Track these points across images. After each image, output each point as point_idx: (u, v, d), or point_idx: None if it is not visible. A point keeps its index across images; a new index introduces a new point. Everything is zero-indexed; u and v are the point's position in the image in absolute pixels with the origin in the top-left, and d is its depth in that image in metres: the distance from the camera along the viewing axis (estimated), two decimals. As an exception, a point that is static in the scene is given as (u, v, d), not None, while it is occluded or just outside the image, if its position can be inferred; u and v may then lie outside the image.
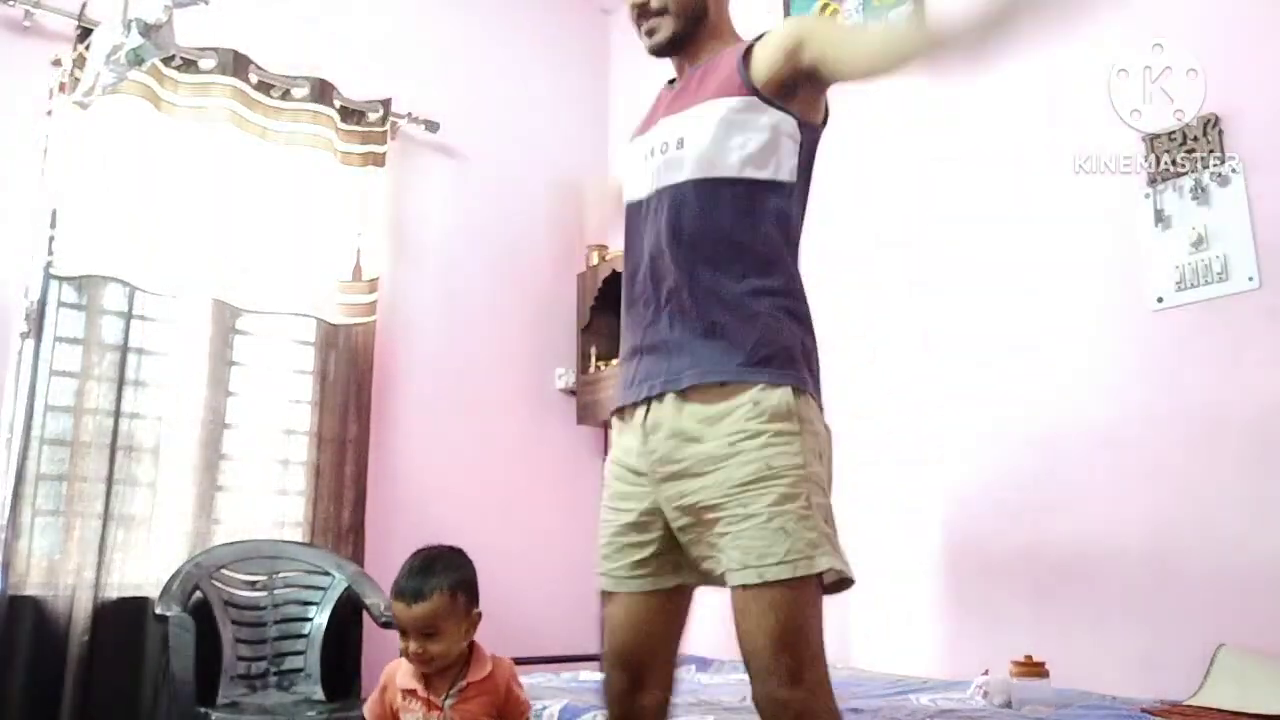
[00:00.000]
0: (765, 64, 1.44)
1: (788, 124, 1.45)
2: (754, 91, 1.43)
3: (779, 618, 1.30)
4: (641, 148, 1.55)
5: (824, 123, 1.52)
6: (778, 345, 1.39)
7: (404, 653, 1.69)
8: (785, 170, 1.45)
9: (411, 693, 1.71)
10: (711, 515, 1.36)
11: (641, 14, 1.54)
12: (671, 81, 1.62)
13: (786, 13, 3.57)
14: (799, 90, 1.45)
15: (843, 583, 1.37)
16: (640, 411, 1.47)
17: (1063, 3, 1.32)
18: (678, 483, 1.40)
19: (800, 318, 1.45)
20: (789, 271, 1.46)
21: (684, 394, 1.40)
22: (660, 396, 1.43)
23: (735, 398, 1.36)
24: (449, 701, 1.69)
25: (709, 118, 1.44)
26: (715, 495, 1.35)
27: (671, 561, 1.46)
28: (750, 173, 1.43)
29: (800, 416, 1.36)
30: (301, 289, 3.28)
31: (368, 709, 1.75)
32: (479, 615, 1.74)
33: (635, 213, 1.54)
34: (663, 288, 1.45)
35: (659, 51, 1.56)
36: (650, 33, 1.54)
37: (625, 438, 1.52)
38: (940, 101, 3.05)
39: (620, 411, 1.55)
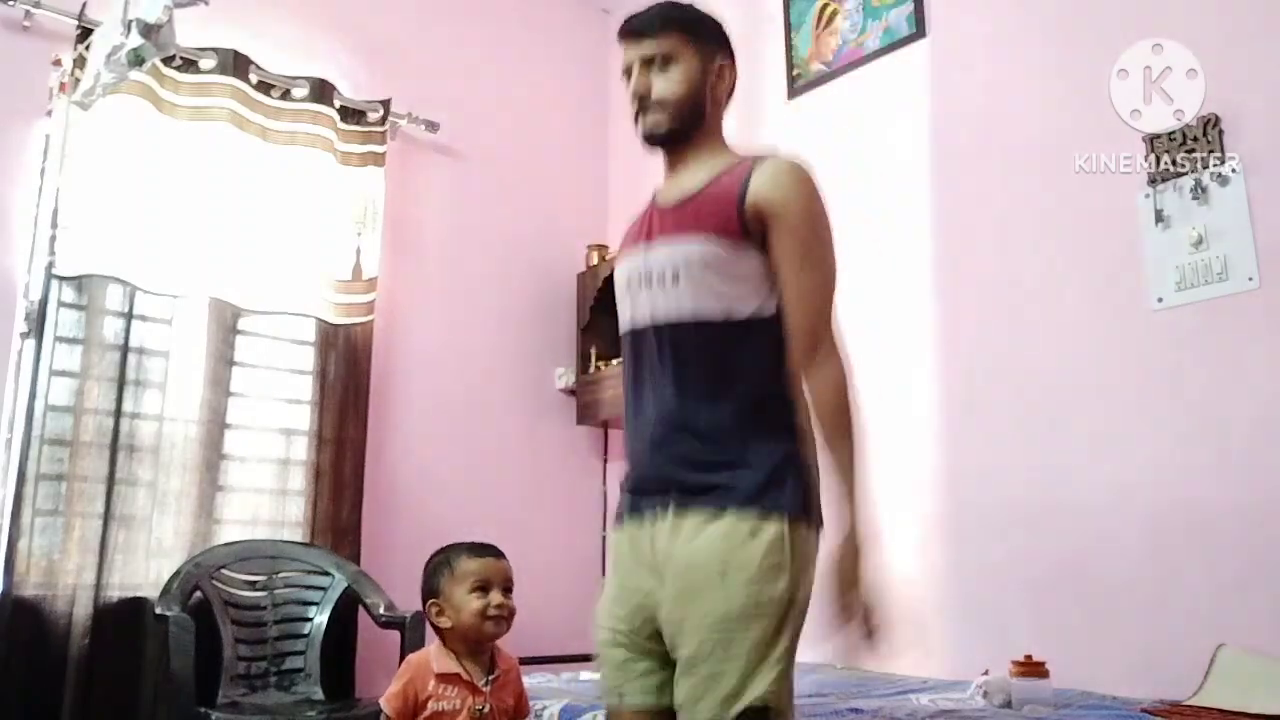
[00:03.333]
0: (751, 215, 1.46)
1: (770, 268, 1.47)
2: (745, 233, 1.45)
3: None
4: (634, 267, 1.55)
5: None
6: (771, 476, 1.40)
7: (479, 614, 1.74)
8: (770, 307, 1.47)
9: (453, 677, 1.73)
10: (693, 640, 1.37)
11: (640, 105, 1.56)
12: (661, 191, 1.61)
13: (787, 13, 3.57)
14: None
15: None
16: (642, 535, 1.48)
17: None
18: (674, 607, 1.41)
19: (796, 444, 1.45)
20: (786, 400, 1.47)
21: (680, 522, 1.42)
22: (656, 521, 1.45)
23: (729, 528, 1.37)
24: (488, 687, 1.74)
25: (705, 256, 1.45)
26: (701, 621, 1.36)
27: (671, 680, 1.45)
28: (741, 314, 1.45)
29: (793, 548, 1.37)
30: (301, 289, 3.28)
31: (387, 702, 1.74)
32: None
33: (632, 342, 1.55)
34: (659, 418, 1.47)
35: (652, 143, 1.58)
36: (647, 125, 1.56)
37: (628, 558, 1.52)
38: (940, 100, 3.06)
39: (620, 519, 1.56)
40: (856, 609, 1.37)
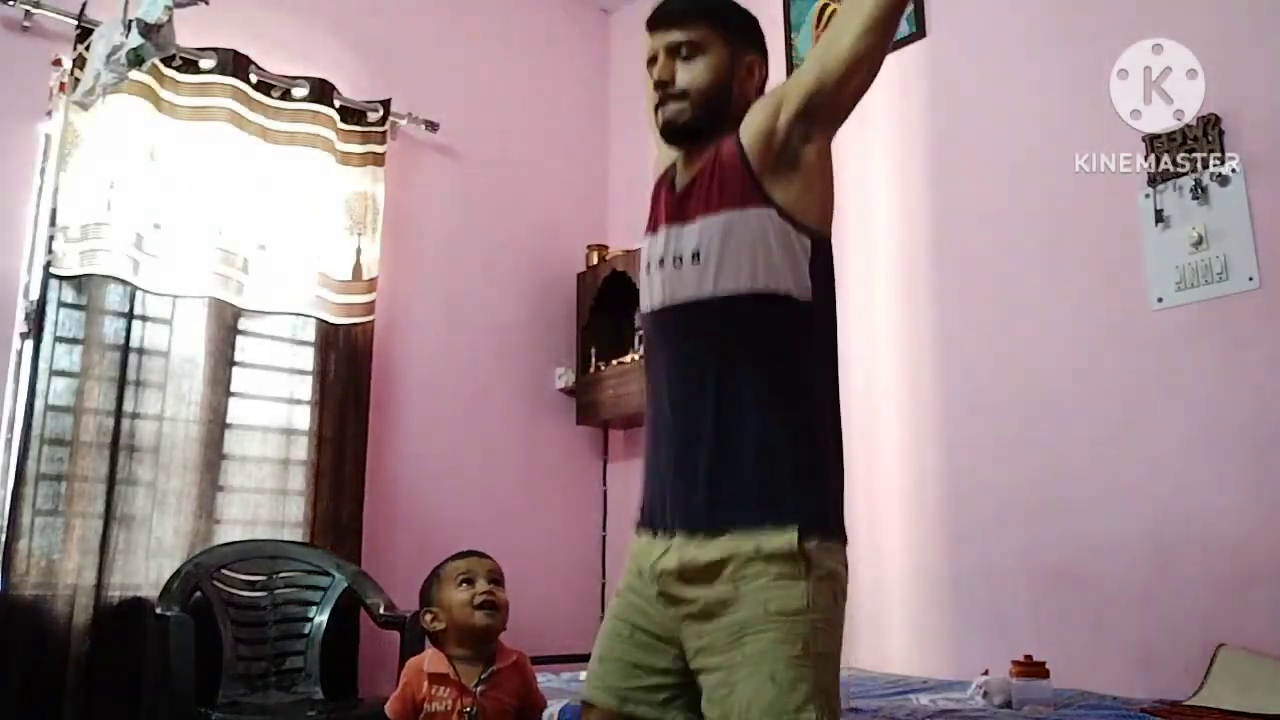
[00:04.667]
0: (756, 133, 1.39)
1: (799, 240, 1.38)
2: (757, 184, 1.37)
3: None
4: (654, 252, 1.47)
5: (829, 229, 1.45)
6: (786, 485, 1.32)
7: (466, 604, 1.78)
8: (800, 289, 1.38)
9: (443, 678, 1.75)
10: (715, 660, 1.30)
11: (663, 95, 1.46)
12: (674, 176, 1.53)
13: (787, 13, 3.57)
14: (799, 155, 1.39)
15: None
16: (657, 549, 1.40)
17: None
18: (694, 624, 1.34)
19: (816, 451, 1.37)
20: (808, 399, 1.38)
21: (692, 535, 1.34)
22: (670, 534, 1.37)
23: (741, 542, 1.30)
24: (480, 687, 1.74)
25: (721, 232, 1.38)
26: (720, 639, 1.29)
27: (681, 700, 1.38)
28: (763, 290, 1.36)
29: (808, 559, 1.28)
30: (301, 289, 3.28)
31: (389, 708, 1.77)
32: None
33: (652, 326, 1.48)
34: (678, 413, 1.39)
35: (672, 137, 1.49)
36: (667, 115, 1.47)
37: (642, 553, 1.44)
38: (941, 101, 3.06)
39: (639, 527, 1.48)
40: None
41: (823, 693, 1.25)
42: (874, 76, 1.41)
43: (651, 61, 1.49)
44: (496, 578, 1.83)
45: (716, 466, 1.34)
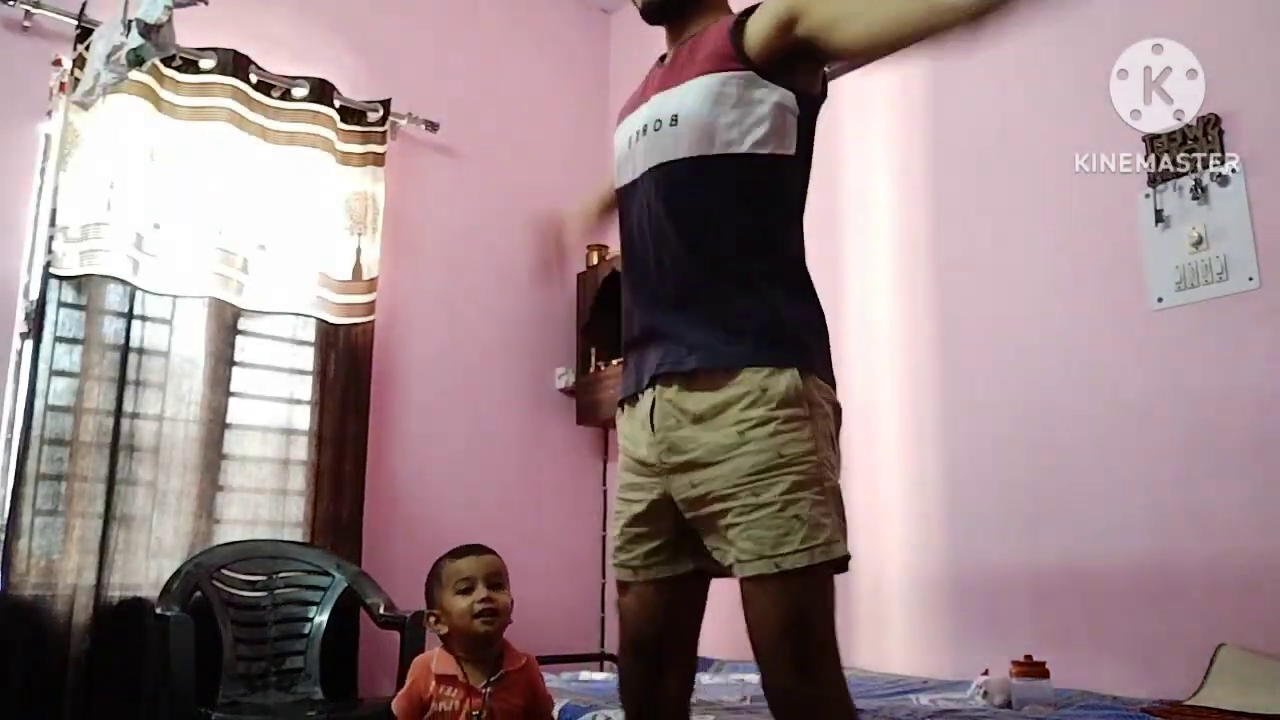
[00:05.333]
0: (758, 37, 1.39)
1: (786, 98, 1.40)
2: (748, 64, 1.39)
3: (789, 606, 1.28)
4: (633, 125, 1.52)
5: (823, 94, 1.47)
6: (783, 326, 1.36)
7: (466, 613, 1.73)
8: (785, 145, 1.41)
9: (450, 679, 1.73)
10: (722, 505, 1.33)
11: None
12: (662, 58, 1.58)
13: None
14: (796, 62, 1.40)
15: (841, 565, 1.33)
16: (645, 400, 1.45)
17: None
18: (687, 473, 1.37)
19: (805, 295, 1.42)
20: (792, 248, 1.44)
21: (688, 381, 1.37)
22: (664, 383, 1.40)
23: (741, 384, 1.33)
24: (488, 689, 1.72)
25: (702, 92, 1.40)
26: (726, 485, 1.32)
27: (687, 547, 1.44)
28: (747, 148, 1.39)
29: (809, 400, 1.33)
30: (301, 289, 3.28)
31: (395, 705, 1.76)
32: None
33: (629, 195, 1.51)
34: (661, 272, 1.42)
35: (650, 14, 1.55)
36: None
37: (631, 428, 1.49)
38: (941, 100, 3.06)
39: (624, 402, 1.53)
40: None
41: (842, 526, 1.32)
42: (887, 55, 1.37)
43: None
44: (497, 580, 1.79)
45: (708, 313, 1.38)
